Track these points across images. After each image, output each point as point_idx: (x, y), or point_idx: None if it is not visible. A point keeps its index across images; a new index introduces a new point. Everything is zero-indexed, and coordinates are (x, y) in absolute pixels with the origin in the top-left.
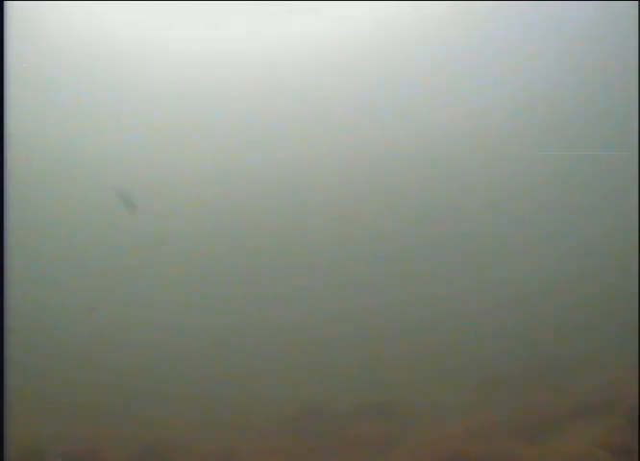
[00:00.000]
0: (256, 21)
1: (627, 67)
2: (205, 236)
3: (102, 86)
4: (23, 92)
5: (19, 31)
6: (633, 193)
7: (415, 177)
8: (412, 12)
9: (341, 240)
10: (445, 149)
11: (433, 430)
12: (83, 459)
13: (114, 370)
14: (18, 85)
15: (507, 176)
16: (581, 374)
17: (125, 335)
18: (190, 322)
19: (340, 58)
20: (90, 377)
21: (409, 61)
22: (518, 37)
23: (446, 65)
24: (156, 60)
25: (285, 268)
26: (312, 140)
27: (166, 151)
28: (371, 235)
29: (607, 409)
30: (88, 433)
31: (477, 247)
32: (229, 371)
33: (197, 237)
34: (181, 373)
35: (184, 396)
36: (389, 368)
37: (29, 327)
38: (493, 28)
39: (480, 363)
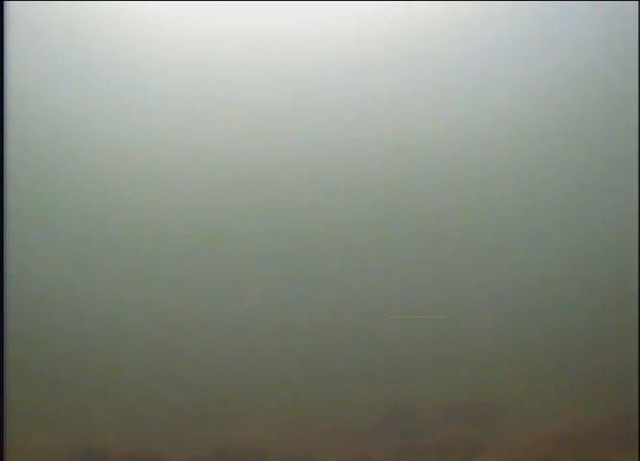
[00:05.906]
0: (269, 13)
1: (627, 67)
2: (209, 227)
3: (103, 84)
4: (23, 91)
5: (19, 30)
6: (633, 193)
7: (418, 176)
8: (417, 11)
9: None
10: (447, 148)
11: None
12: None
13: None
14: (19, 84)
15: (507, 176)
16: None
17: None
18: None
19: (340, 56)
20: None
21: (410, 62)
22: (517, 38)
23: (449, 67)
24: (157, 56)
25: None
26: (314, 138)
27: (172, 143)
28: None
29: None
30: None
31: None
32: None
33: (203, 227)
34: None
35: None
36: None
37: (29, 326)
38: (492, 29)
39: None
